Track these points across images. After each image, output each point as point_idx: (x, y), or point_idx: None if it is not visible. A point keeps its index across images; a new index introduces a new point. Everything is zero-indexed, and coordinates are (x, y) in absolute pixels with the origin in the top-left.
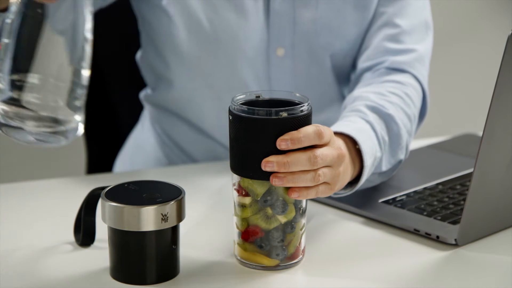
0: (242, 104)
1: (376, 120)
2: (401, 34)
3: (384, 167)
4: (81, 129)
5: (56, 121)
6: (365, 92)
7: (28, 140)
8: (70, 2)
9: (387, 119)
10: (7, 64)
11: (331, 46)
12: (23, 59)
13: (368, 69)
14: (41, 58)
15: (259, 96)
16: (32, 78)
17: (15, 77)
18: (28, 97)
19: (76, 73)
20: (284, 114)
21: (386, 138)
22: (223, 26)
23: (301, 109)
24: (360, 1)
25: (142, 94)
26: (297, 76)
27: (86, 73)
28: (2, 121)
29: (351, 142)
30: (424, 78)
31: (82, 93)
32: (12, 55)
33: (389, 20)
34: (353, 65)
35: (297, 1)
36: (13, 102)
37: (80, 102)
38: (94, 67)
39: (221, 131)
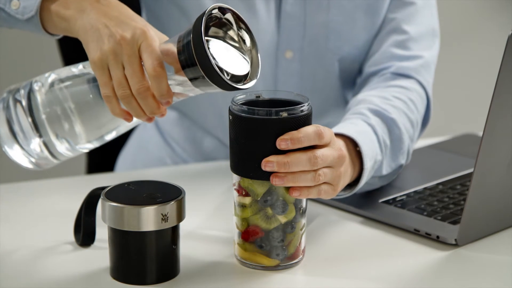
0: (242, 104)
1: (378, 123)
2: (409, 40)
3: (385, 171)
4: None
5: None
6: (369, 95)
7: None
8: None
9: (390, 123)
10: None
11: (340, 51)
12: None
13: (374, 73)
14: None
15: (259, 96)
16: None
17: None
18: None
19: (101, 139)
20: (284, 114)
21: (388, 142)
22: None
23: (301, 109)
24: (371, 6)
25: None
26: (303, 79)
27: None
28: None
29: (352, 144)
30: (429, 84)
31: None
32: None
33: (397, 26)
34: (359, 70)
35: (308, 5)
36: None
37: (68, 156)
38: None
39: (224, 131)
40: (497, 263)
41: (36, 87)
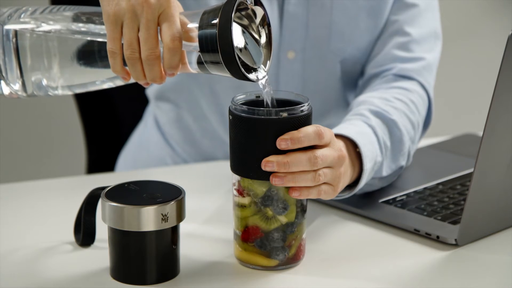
0: (242, 104)
1: (379, 125)
2: (411, 42)
3: (385, 172)
4: None
5: None
6: (370, 97)
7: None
8: None
9: (390, 125)
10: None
11: (342, 52)
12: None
13: (376, 75)
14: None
15: (259, 96)
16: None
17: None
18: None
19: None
20: (284, 114)
21: (388, 143)
22: None
23: (301, 109)
24: (374, 8)
25: (148, 90)
26: (305, 80)
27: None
28: None
29: (352, 145)
30: (430, 86)
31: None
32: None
33: (399, 28)
34: (361, 72)
35: (311, 6)
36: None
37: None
38: None
39: (226, 129)
40: (497, 263)
41: (28, 18)
